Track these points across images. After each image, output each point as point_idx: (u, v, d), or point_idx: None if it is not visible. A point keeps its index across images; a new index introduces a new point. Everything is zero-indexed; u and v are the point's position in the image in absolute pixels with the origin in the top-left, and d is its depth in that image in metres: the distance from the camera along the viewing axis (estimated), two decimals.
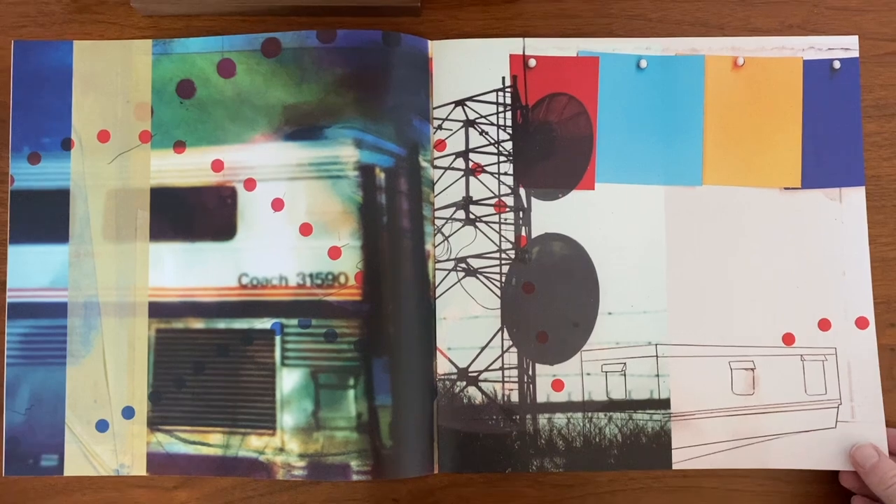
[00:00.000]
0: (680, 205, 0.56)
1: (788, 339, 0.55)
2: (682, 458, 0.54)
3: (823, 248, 0.55)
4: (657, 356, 0.55)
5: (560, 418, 0.54)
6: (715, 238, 0.55)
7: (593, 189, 0.56)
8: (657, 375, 0.55)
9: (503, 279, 0.55)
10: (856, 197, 0.55)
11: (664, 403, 0.54)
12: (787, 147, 0.56)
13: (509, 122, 0.56)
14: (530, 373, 0.55)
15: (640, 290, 0.55)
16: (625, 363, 0.55)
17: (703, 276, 0.55)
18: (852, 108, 0.56)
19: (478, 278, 0.55)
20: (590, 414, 0.54)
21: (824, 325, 0.55)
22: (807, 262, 0.55)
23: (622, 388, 0.55)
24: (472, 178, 0.56)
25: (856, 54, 0.56)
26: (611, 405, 0.55)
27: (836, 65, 0.56)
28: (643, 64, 0.56)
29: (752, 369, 0.55)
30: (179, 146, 0.56)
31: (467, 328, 0.55)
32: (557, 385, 0.55)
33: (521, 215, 0.56)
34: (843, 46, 0.56)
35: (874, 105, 0.57)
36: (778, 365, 0.54)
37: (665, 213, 0.56)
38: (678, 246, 0.55)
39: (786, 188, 0.56)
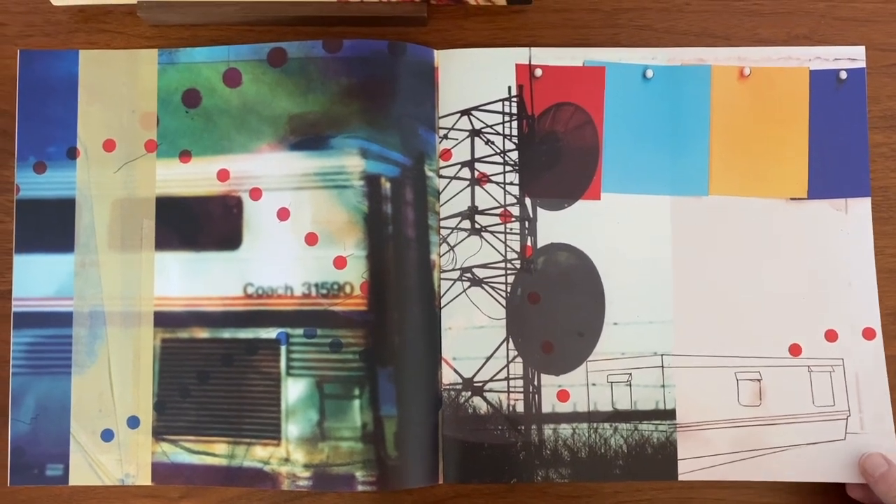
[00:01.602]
0: (686, 215, 0.55)
1: (795, 349, 0.55)
2: (688, 469, 0.54)
3: (829, 258, 0.55)
4: (663, 367, 0.54)
5: (565, 429, 0.54)
6: (721, 248, 0.55)
7: (599, 199, 0.56)
8: (663, 386, 0.54)
9: (508, 289, 0.55)
10: (861, 208, 0.55)
11: (670, 414, 0.54)
12: (794, 157, 0.56)
13: (515, 132, 0.56)
14: (535, 383, 0.55)
15: (645, 300, 0.55)
16: (630, 373, 0.55)
17: (709, 286, 0.55)
18: (858, 119, 0.56)
19: (483, 288, 0.55)
20: (595, 424, 0.54)
21: (831, 335, 0.55)
22: (813, 272, 0.55)
23: (628, 398, 0.54)
24: (477, 188, 0.56)
25: (862, 64, 0.56)
26: (616, 416, 0.54)
27: (843, 75, 0.56)
28: (649, 74, 0.56)
29: (759, 380, 0.54)
30: (185, 155, 0.56)
31: (472, 338, 0.55)
32: (563, 395, 0.54)
33: (526, 225, 0.56)
34: (849, 57, 0.56)
35: (881, 116, 0.57)
36: (785, 376, 0.54)
37: (671, 223, 0.55)
38: (684, 256, 0.55)
39: (792, 198, 0.56)
